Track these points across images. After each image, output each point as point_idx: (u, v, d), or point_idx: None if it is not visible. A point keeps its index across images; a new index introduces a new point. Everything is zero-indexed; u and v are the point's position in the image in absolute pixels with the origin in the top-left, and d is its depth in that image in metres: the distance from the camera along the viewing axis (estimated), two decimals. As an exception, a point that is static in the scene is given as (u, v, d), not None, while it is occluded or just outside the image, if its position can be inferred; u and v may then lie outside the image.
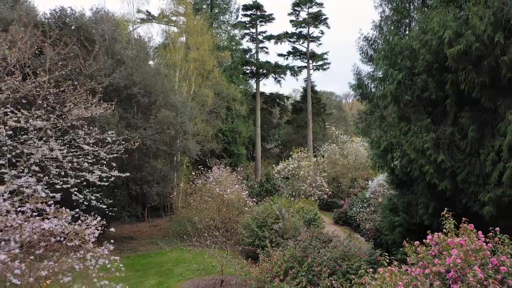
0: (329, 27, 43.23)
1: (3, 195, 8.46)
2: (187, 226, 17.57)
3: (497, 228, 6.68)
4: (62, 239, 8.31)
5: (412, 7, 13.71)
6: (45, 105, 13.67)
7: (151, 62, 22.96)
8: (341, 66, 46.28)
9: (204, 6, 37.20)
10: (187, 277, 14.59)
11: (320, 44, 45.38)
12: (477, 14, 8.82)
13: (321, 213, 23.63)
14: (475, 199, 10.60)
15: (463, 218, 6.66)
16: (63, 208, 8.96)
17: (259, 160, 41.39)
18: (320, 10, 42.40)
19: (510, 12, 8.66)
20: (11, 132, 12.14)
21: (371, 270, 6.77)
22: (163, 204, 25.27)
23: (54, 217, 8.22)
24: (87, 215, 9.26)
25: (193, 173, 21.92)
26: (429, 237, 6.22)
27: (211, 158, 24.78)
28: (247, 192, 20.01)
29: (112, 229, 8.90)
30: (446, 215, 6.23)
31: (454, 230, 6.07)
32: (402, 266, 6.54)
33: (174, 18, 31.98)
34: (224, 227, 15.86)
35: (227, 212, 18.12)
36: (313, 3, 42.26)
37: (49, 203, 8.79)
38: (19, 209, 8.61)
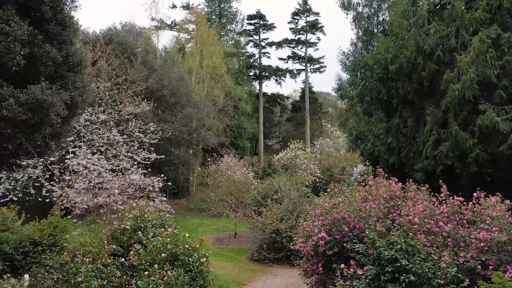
0: (325, 34, 47.99)
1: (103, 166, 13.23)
2: (205, 201, 22.26)
3: (408, 177, 11.35)
4: (138, 188, 13.08)
5: (376, 31, 18.38)
6: (103, 104, 18.55)
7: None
8: (338, 68, 50.86)
9: (214, 17, 41.98)
10: (208, 232, 19.35)
11: (317, 49, 50.16)
12: (405, 45, 13.51)
13: (315, 198, 28.23)
14: (413, 169, 15.31)
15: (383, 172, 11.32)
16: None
17: (261, 154, 46.11)
18: (317, 19, 47.10)
19: (426, 43, 13.30)
20: (87, 123, 17.04)
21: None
22: (181, 187, 29.97)
23: (135, 173, 13.00)
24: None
25: (209, 159, 26.64)
26: (360, 178, 10.89)
27: (222, 149, 29.55)
28: (252, 173, 24.71)
29: (170, 183, 13.64)
30: (368, 163, 10.89)
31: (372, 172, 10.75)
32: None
33: (189, 28, 36.75)
34: (235, 200, 20.57)
35: (237, 189, 22.78)
36: (311, 13, 46.96)
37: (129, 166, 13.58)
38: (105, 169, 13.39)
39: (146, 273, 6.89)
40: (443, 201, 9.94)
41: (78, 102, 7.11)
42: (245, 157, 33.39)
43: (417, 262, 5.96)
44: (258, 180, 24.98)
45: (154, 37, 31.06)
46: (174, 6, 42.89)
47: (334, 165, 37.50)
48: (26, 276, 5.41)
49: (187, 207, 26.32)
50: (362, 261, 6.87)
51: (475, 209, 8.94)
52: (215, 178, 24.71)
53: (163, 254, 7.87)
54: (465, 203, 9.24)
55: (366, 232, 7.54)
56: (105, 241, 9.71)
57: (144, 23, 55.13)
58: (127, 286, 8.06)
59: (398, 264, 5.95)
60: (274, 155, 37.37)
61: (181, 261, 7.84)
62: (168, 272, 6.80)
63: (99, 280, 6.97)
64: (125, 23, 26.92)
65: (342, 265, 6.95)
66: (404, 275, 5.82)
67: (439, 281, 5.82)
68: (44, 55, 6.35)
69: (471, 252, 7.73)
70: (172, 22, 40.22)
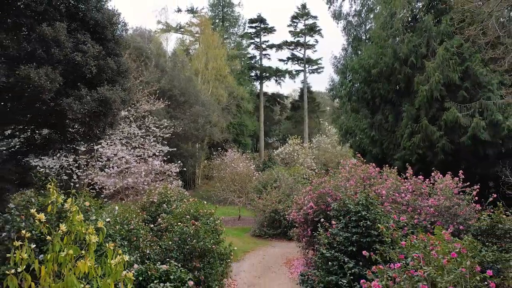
0: (322, 36, 50.42)
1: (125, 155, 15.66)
2: (211, 191, 24.73)
3: (387, 165, 13.76)
4: (159, 172, 15.51)
5: (364, 38, 20.81)
6: (122, 102, 20.82)
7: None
8: (332, 70, 53.25)
9: (217, 20, 44.47)
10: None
11: (315, 51, 52.61)
12: (384, 52, 15.94)
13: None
14: (393, 158, 17.73)
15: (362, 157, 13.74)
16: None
17: (262, 151, 48.60)
18: (315, 22, 49.55)
19: (402, 50, 15.72)
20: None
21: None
22: (188, 179, 32.44)
23: (156, 160, 15.44)
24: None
25: (214, 153, 29.14)
26: (342, 162, 13.32)
27: (226, 144, 32.05)
28: (254, 165, 27.17)
29: (185, 169, 16.08)
30: (349, 149, 13.29)
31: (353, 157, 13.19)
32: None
33: (193, 30, 39.22)
34: (239, 188, 23.03)
35: (240, 179, 25.23)
36: (309, 16, 49.38)
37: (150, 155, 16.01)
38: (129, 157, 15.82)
39: (180, 223, 9.32)
40: (412, 179, 12.44)
41: (126, 100, 9.56)
42: (247, 151, 35.86)
43: (372, 213, 8.39)
44: (259, 172, 27.43)
45: (163, 40, 33.54)
46: (179, 10, 45.44)
47: (331, 161, 39.92)
48: (116, 207, 7.81)
49: (194, 197, 28.75)
50: (335, 214, 9.30)
51: (431, 184, 11.42)
52: (220, 171, 27.21)
53: (187, 216, 10.31)
54: (425, 181, 11.71)
55: (340, 195, 10.00)
56: (138, 211, 12.15)
57: (152, 26, 57.64)
58: (157, 242, 10.52)
59: (360, 214, 8.38)
60: (274, 150, 39.84)
61: (201, 221, 10.28)
62: (196, 222, 9.25)
63: (142, 231, 9.40)
64: (136, 27, 29.41)
65: (322, 219, 9.37)
66: (363, 221, 8.25)
67: (387, 225, 8.24)
68: (105, 66, 8.82)
69: (424, 215, 10.20)
70: (177, 25, 42.74)
